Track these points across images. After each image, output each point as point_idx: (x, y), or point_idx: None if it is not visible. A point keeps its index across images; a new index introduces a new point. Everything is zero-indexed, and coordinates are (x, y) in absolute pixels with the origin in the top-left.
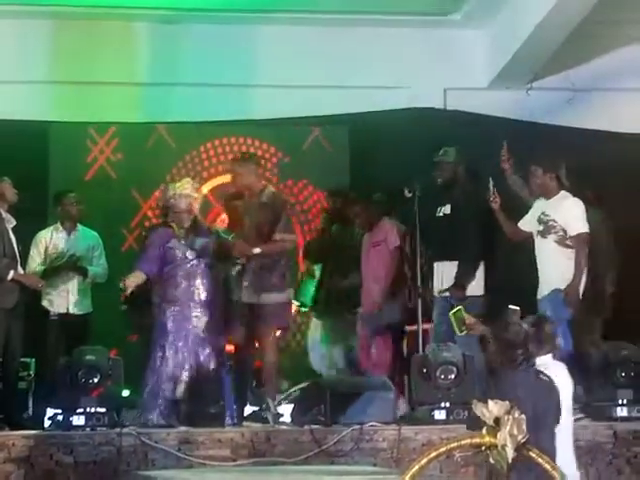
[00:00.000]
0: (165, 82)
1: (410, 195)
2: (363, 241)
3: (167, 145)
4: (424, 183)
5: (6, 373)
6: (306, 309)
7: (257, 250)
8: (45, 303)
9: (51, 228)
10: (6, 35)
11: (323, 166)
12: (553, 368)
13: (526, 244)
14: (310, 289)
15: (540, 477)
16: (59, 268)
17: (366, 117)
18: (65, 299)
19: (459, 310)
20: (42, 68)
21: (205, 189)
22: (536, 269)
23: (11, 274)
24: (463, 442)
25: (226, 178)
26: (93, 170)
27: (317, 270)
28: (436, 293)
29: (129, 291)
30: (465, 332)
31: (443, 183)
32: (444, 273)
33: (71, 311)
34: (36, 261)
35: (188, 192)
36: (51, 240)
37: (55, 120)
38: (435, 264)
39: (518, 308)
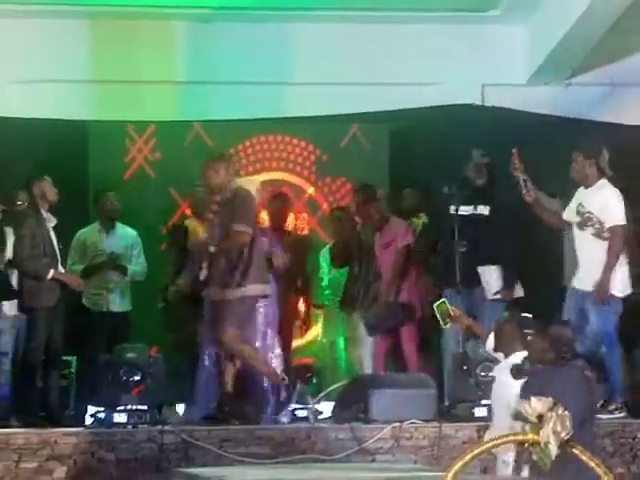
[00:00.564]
0: (203, 80)
1: (449, 192)
2: (374, 241)
3: (205, 143)
4: (460, 181)
5: (48, 371)
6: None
7: (212, 248)
8: (85, 301)
9: (90, 227)
10: (46, 35)
11: (361, 163)
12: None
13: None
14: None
15: (580, 471)
16: (98, 267)
17: (404, 114)
18: (105, 297)
19: (443, 302)
20: (81, 67)
21: None
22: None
23: (51, 273)
24: (506, 439)
25: (264, 177)
26: (132, 169)
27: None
28: (489, 296)
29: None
30: (449, 324)
31: (481, 184)
32: (487, 276)
33: (111, 309)
34: (76, 260)
35: None
36: (91, 239)
37: (94, 119)
38: (480, 268)
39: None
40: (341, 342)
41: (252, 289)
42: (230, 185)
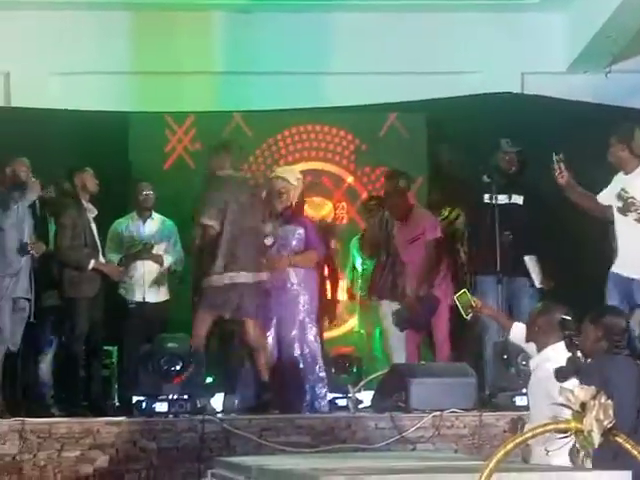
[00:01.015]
0: (242, 71)
1: (488, 180)
2: (395, 232)
3: (244, 133)
4: (494, 170)
5: (89, 361)
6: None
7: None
8: (122, 292)
9: (127, 217)
10: (85, 27)
11: (400, 152)
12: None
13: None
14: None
15: (624, 460)
16: (134, 256)
17: (443, 103)
18: (141, 287)
19: (464, 293)
20: (121, 59)
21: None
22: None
23: (92, 263)
24: (549, 427)
25: (304, 166)
26: (172, 159)
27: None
28: (537, 285)
29: None
30: (471, 315)
31: (513, 172)
32: (531, 265)
33: (147, 299)
34: (112, 250)
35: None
36: (127, 229)
37: (134, 110)
38: (526, 258)
39: None
40: (377, 332)
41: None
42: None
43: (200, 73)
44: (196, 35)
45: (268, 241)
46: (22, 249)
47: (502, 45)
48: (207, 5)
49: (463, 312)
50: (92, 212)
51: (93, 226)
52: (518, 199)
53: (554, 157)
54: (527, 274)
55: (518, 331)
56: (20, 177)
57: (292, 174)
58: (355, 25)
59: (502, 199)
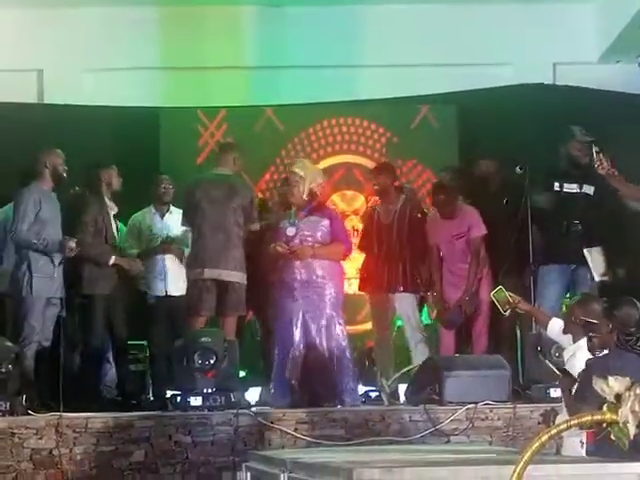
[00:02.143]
0: (273, 65)
1: (521, 172)
2: (437, 227)
3: (276, 128)
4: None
5: (117, 356)
6: None
7: None
8: (142, 286)
9: (144, 210)
10: (117, 23)
11: (432, 145)
12: None
13: None
14: None
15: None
16: (154, 251)
17: (474, 94)
18: (162, 281)
19: (500, 290)
20: (153, 55)
21: None
22: None
23: (112, 259)
24: (584, 419)
25: (335, 159)
26: (204, 154)
27: None
28: (596, 278)
29: None
30: (509, 311)
31: (586, 163)
32: (593, 257)
33: (169, 293)
34: (131, 244)
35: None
36: (144, 223)
37: (166, 106)
38: (586, 250)
39: None
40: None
41: None
42: None
43: (231, 68)
44: (227, 30)
45: (290, 231)
46: (60, 248)
47: (534, 36)
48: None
49: (501, 309)
50: (113, 209)
51: (113, 223)
52: (589, 189)
53: (593, 149)
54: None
55: (555, 327)
56: (58, 170)
57: (302, 167)
58: (386, 17)
59: (573, 188)
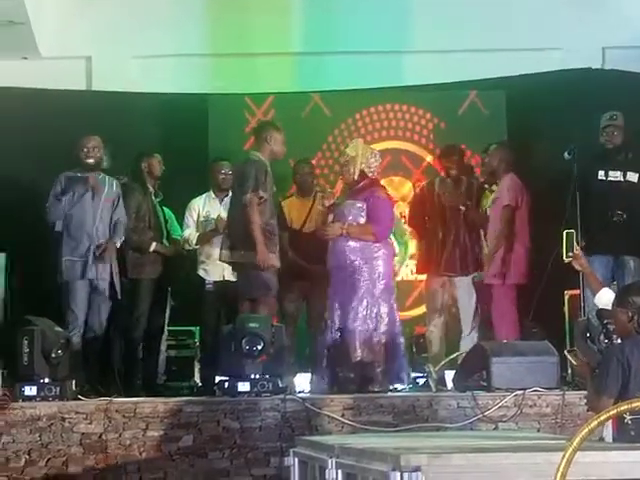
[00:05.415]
0: (320, 51)
1: (569, 157)
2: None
3: (323, 114)
4: (589, 146)
5: (150, 341)
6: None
7: None
8: (201, 272)
9: (204, 195)
10: (164, 10)
11: (479, 130)
12: None
13: None
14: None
15: None
16: (211, 235)
17: (522, 80)
18: (220, 267)
19: (572, 233)
20: (200, 41)
21: None
22: None
23: (153, 246)
24: (634, 404)
25: (382, 145)
26: (252, 140)
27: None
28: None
29: None
30: (569, 260)
31: (614, 148)
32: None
33: (227, 278)
34: (190, 227)
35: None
36: (204, 208)
37: (213, 92)
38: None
39: None
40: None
41: None
42: None
43: (278, 54)
44: (274, 15)
45: (330, 217)
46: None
47: (582, 20)
48: None
49: (564, 252)
50: (158, 196)
51: (158, 209)
52: (633, 177)
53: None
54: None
55: (604, 297)
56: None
57: (354, 147)
58: (434, 2)
59: (617, 176)
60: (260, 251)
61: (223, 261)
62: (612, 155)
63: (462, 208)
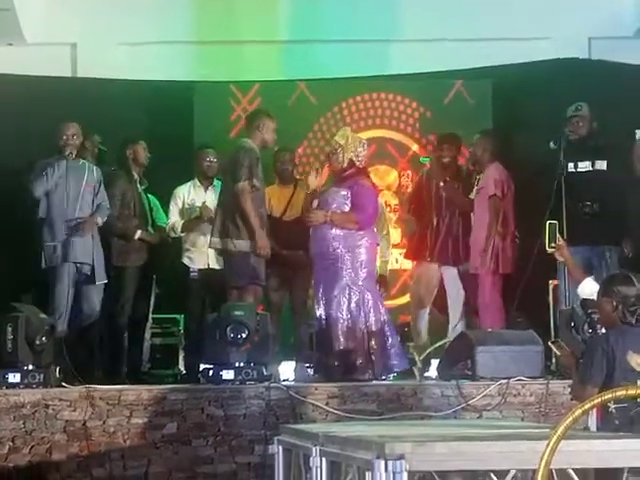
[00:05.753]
0: (306, 39)
1: (555, 147)
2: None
3: (309, 102)
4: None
5: (135, 329)
6: None
7: None
8: (185, 260)
9: (189, 183)
10: None
11: (465, 120)
12: None
13: None
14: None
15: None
16: (193, 223)
17: (509, 69)
18: (205, 255)
19: (555, 224)
20: (186, 28)
21: None
22: None
23: (138, 233)
24: (618, 393)
25: (368, 134)
26: (237, 128)
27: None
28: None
29: None
30: (553, 250)
31: (579, 139)
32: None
33: (211, 266)
34: (175, 215)
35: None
36: (188, 195)
37: (199, 80)
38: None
39: None
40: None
41: None
42: None
43: (264, 42)
44: (260, 3)
45: (314, 203)
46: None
47: (569, 10)
48: None
49: (547, 242)
50: (143, 184)
51: (144, 197)
52: (601, 164)
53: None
54: (615, 243)
55: (586, 287)
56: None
57: (342, 135)
58: None
59: (585, 167)
60: (259, 237)
61: (213, 248)
62: (579, 145)
63: (441, 184)
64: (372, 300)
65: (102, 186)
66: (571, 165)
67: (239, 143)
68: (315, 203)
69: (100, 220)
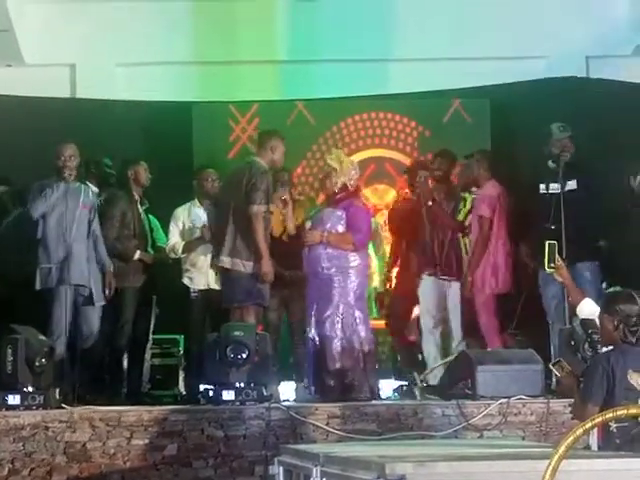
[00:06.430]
0: (304, 59)
1: (554, 166)
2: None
3: (307, 122)
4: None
5: (135, 349)
6: None
7: None
8: (185, 281)
9: (189, 204)
10: (149, 18)
11: (464, 138)
12: None
13: None
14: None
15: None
16: (196, 244)
17: (506, 88)
18: (205, 275)
19: (555, 244)
20: (185, 49)
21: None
22: None
23: (137, 254)
24: (619, 412)
25: (367, 154)
26: (236, 148)
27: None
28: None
29: None
30: (552, 271)
31: (568, 159)
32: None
33: (212, 286)
34: (175, 236)
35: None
36: (188, 216)
37: (198, 100)
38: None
39: None
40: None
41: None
42: None
43: (263, 62)
44: (259, 24)
45: (308, 224)
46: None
47: (566, 29)
48: None
49: (546, 262)
50: (144, 204)
51: (144, 218)
52: (572, 184)
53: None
54: (590, 259)
55: (585, 308)
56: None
57: (336, 159)
58: (418, 11)
59: (556, 189)
60: (265, 263)
61: (220, 266)
62: (553, 167)
63: (429, 204)
64: (363, 321)
65: (95, 211)
66: (542, 187)
67: (250, 162)
68: (308, 225)
69: (110, 265)
